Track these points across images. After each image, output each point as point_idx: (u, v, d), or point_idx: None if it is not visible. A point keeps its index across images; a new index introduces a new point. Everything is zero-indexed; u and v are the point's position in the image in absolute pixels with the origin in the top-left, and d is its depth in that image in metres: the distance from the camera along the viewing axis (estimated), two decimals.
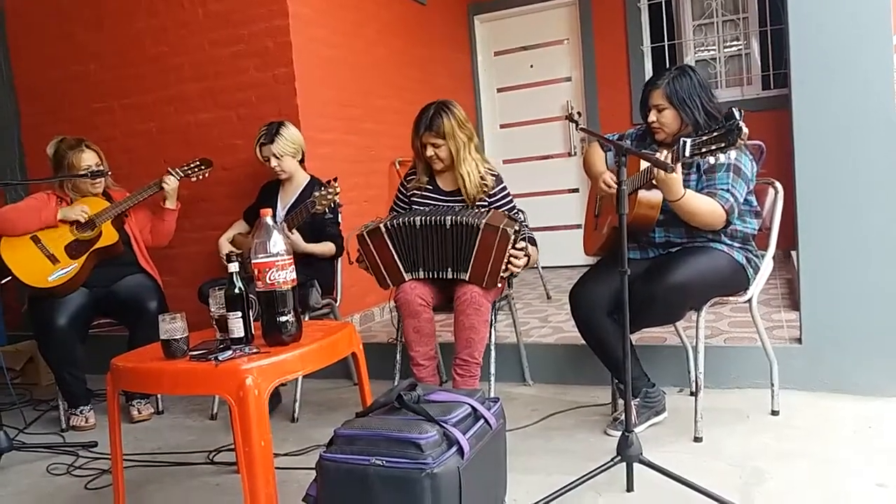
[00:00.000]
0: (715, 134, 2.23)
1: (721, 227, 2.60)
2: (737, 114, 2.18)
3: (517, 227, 2.85)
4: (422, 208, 3.14)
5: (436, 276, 2.96)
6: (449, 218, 2.89)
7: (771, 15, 5.54)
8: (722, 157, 2.35)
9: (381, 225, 2.96)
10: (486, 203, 3.09)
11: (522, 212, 3.43)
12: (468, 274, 2.89)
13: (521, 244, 2.87)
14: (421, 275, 2.97)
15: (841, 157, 2.88)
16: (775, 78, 5.62)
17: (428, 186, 3.20)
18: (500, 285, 2.90)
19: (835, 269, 2.93)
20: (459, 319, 2.87)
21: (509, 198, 3.16)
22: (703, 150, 2.26)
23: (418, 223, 2.92)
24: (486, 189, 3.08)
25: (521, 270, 2.93)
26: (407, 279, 2.98)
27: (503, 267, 2.83)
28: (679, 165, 2.40)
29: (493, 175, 3.12)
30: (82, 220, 3.43)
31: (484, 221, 2.83)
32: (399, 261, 2.98)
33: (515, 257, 2.85)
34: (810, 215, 2.95)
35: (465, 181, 3.05)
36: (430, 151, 3.06)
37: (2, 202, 4.66)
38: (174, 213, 3.73)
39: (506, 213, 3.03)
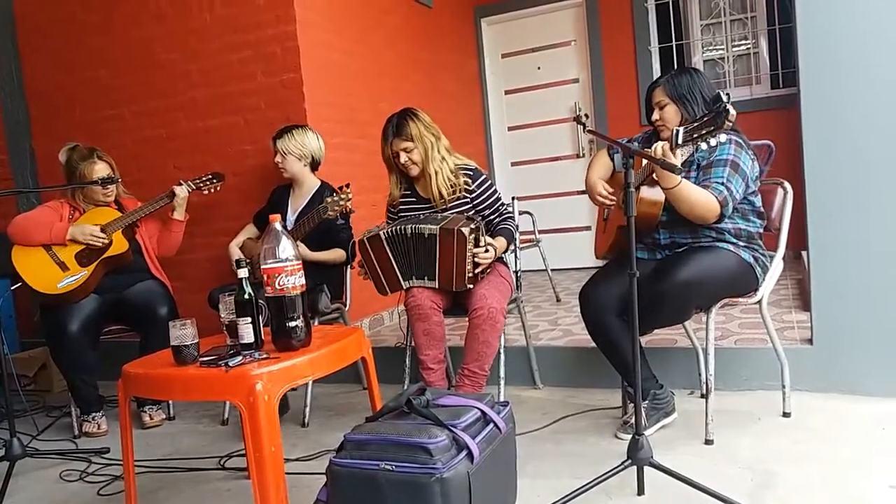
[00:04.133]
0: (705, 119, 2.29)
1: (715, 221, 2.60)
2: (723, 97, 2.24)
3: (474, 226, 2.88)
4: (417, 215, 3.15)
5: (419, 283, 2.98)
6: (410, 227, 2.93)
7: (779, 14, 5.52)
8: (723, 138, 2.34)
9: (381, 232, 2.98)
10: (469, 200, 3.09)
11: (525, 213, 3.41)
12: (437, 281, 2.93)
13: (482, 240, 2.92)
14: (414, 282, 2.98)
15: (851, 155, 2.87)
16: (784, 77, 5.60)
17: (411, 198, 3.21)
18: (470, 286, 2.90)
19: (845, 269, 2.92)
20: (474, 333, 2.87)
21: (492, 189, 3.15)
22: (696, 135, 2.30)
23: (409, 231, 2.94)
24: (466, 186, 3.09)
25: (488, 265, 2.95)
26: (404, 286, 3.00)
27: (468, 267, 2.86)
28: (678, 153, 2.43)
29: (469, 172, 3.11)
30: (95, 245, 3.44)
31: (438, 227, 2.87)
32: (397, 267, 2.99)
33: (480, 254, 2.89)
34: (820, 215, 2.93)
35: (433, 180, 3.06)
36: (403, 158, 3.07)
37: (13, 208, 4.70)
38: (182, 224, 3.75)
39: (465, 214, 3.03)
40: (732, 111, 2.20)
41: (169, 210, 3.71)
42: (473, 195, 3.10)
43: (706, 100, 2.64)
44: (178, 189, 3.68)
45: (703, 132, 2.28)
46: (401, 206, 3.22)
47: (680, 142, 2.34)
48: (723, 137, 2.30)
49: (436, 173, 3.06)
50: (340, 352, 2.14)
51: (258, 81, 4.15)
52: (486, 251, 2.91)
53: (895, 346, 2.86)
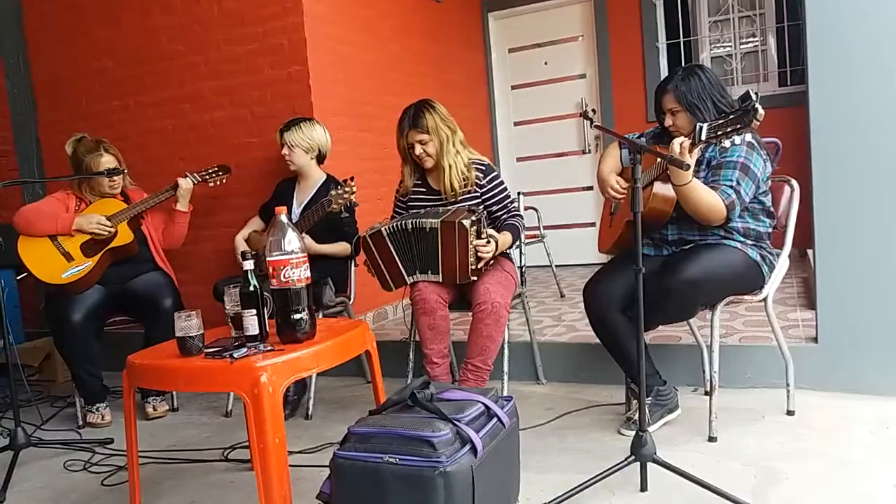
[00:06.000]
0: (731, 117, 2.23)
1: (719, 224, 2.58)
2: (752, 95, 2.17)
3: (475, 218, 2.87)
4: (418, 211, 3.14)
5: (423, 278, 2.97)
6: (411, 222, 2.92)
7: (788, 11, 5.50)
8: (738, 140, 2.29)
9: (383, 228, 2.97)
10: (478, 195, 3.10)
11: (530, 209, 3.39)
12: (440, 274, 2.92)
13: (484, 232, 2.90)
14: (419, 277, 2.98)
15: (858, 154, 2.86)
16: (792, 74, 5.58)
17: (422, 189, 3.20)
18: (474, 278, 2.89)
19: (851, 267, 2.91)
20: (478, 327, 2.87)
21: (502, 186, 3.15)
22: (720, 132, 2.25)
23: (410, 226, 2.94)
24: (477, 181, 3.09)
25: (490, 257, 2.93)
26: (409, 281, 3.00)
27: (471, 259, 2.85)
28: (696, 152, 2.39)
29: (481, 167, 3.12)
30: (102, 234, 3.44)
31: (439, 221, 2.86)
32: (400, 263, 2.99)
33: (481, 247, 2.88)
34: (826, 213, 2.92)
35: (446, 173, 3.05)
36: (418, 150, 3.06)
37: (19, 198, 4.71)
38: (186, 215, 3.75)
39: (467, 207, 3.03)
40: (761, 110, 2.14)
41: (173, 202, 3.71)
42: (483, 190, 3.10)
43: (717, 101, 2.61)
44: (181, 181, 3.69)
45: (729, 130, 2.22)
46: (411, 197, 3.22)
47: (703, 138, 2.29)
48: (737, 138, 2.26)
49: (450, 167, 3.05)
50: (345, 345, 2.14)
51: (265, 74, 4.15)
52: (488, 243, 2.90)
53: None
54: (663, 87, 2.71)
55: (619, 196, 2.79)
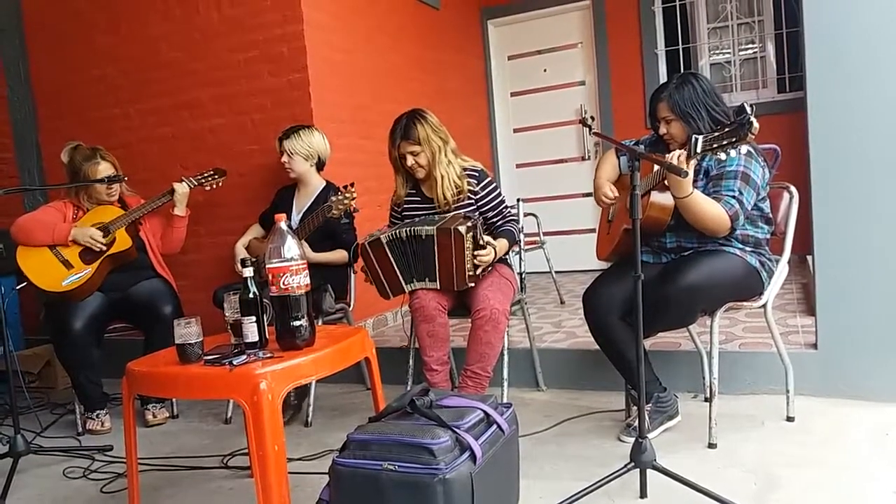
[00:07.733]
0: (726, 129, 2.24)
1: (725, 234, 2.58)
2: (748, 108, 2.18)
3: (470, 224, 2.87)
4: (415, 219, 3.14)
5: (421, 286, 2.97)
6: (406, 230, 2.92)
7: (786, 17, 5.51)
8: (733, 153, 2.30)
9: (382, 236, 2.97)
10: (473, 202, 3.09)
11: (530, 216, 3.38)
12: (437, 281, 2.92)
13: (481, 239, 2.90)
14: (416, 285, 2.98)
15: (857, 160, 2.86)
16: (791, 81, 5.59)
17: (416, 198, 3.20)
18: (471, 284, 2.89)
19: (851, 273, 2.91)
20: (477, 334, 2.87)
21: (496, 192, 3.14)
22: (715, 145, 2.25)
23: (405, 234, 2.94)
24: (471, 187, 3.08)
25: (488, 263, 2.93)
26: (406, 290, 3.00)
27: (468, 266, 2.85)
28: (692, 163, 2.40)
29: (474, 174, 3.11)
30: (94, 249, 3.44)
31: (435, 227, 2.86)
32: (399, 271, 2.99)
33: (480, 255, 2.88)
34: (826, 219, 2.93)
35: (438, 183, 3.05)
36: (409, 161, 3.06)
37: (20, 205, 4.71)
38: (183, 219, 3.75)
39: (463, 213, 3.02)
40: (756, 124, 2.15)
41: (170, 207, 3.72)
42: (477, 196, 3.09)
43: (711, 110, 2.60)
44: (177, 185, 3.69)
45: (724, 143, 2.23)
46: (405, 206, 3.22)
47: (699, 150, 2.29)
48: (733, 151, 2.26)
49: (442, 178, 3.04)
50: (344, 352, 2.15)
51: (265, 81, 4.16)
52: (486, 250, 2.90)
53: None
54: (657, 95, 2.71)
55: (610, 202, 2.80)
